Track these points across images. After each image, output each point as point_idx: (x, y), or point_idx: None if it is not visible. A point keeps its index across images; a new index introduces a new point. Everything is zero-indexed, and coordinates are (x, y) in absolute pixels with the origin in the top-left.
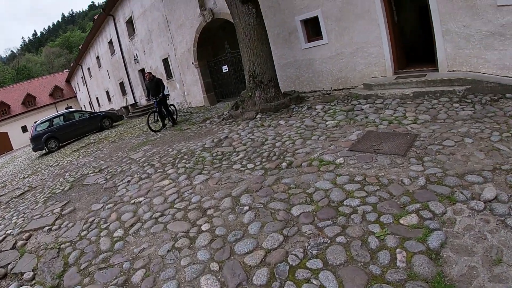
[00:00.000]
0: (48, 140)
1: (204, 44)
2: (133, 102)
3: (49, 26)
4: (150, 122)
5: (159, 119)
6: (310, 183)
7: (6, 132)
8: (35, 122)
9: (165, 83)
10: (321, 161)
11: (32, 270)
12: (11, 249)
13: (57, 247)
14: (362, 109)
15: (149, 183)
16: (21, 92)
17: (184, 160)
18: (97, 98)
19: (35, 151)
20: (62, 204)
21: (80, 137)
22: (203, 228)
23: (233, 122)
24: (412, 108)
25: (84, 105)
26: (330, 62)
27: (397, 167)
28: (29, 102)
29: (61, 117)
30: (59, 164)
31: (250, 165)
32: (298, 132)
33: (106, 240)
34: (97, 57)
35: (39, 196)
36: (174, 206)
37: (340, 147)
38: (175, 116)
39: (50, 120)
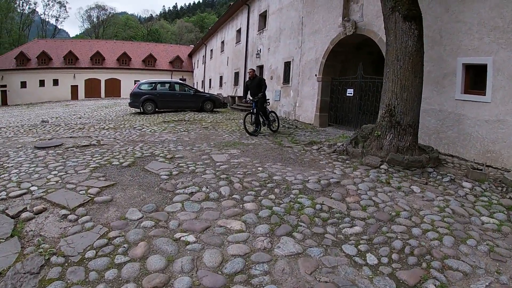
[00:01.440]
0: (145, 102)
1: (334, 58)
2: (242, 95)
3: (189, 3)
4: (247, 122)
5: (255, 123)
6: None
7: (120, 80)
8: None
9: (278, 87)
10: None
11: None
12: (13, 216)
13: (48, 256)
14: None
15: (213, 213)
16: (145, 51)
17: (273, 196)
18: (210, 80)
19: (130, 107)
20: (106, 184)
21: (178, 110)
22: None
23: (347, 161)
24: None
25: (197, 82)
26: (485, 127)
27: None
28: (149, 62)
29: (167, 85)
30: (142, 130)
31: (371, 258)
32: (444, 219)
33: None
34: (222, 42)
35: (95, 158)
36: None
37: None
38: (276, 124)
39: (156, 84)
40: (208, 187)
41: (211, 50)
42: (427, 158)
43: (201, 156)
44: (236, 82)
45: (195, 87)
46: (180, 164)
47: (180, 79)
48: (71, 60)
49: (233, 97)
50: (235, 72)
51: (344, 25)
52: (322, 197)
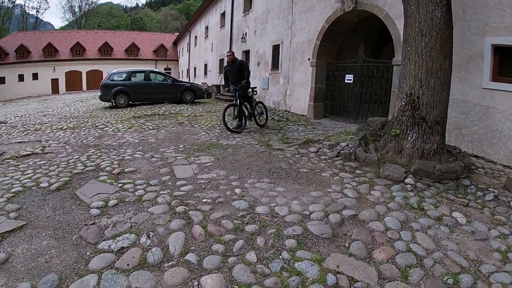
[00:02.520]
0: (117, 94)
1: (330, 39)
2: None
3: None
4: (227, 114)
5: (238, 117)
6: None
7: (101, 72)
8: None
9: (266, 74)
10: None
11: None
12: None
13: None
14: None
15: None
16: (128, 40)
17: (253, 255)
18: (194, 68)
19: (101, 101)
20: (13, 227)
21: (156, 103)
22: None
23: (358, 171)
24: None
25: (182, 71)
26: None
27: None
28: (132, 51)
29: (142, 74)
30: (103, 129)
31: None
32: None
33: None
34: (206, 27)
35: (24, 177)
36: None
37: None
38: (264, 117)
39: (129, 74)
40: (151, 235)
41: (195, 37)
42: (462, 166)
43: (160, 169)
44: (221, 70)
45: (181, 76)
46: (126, 186)
47: (165, 69)
48: (50, 53)
49: (218, 86)
50: (220, 59)
51: (342, 0)
52: (335, 254)
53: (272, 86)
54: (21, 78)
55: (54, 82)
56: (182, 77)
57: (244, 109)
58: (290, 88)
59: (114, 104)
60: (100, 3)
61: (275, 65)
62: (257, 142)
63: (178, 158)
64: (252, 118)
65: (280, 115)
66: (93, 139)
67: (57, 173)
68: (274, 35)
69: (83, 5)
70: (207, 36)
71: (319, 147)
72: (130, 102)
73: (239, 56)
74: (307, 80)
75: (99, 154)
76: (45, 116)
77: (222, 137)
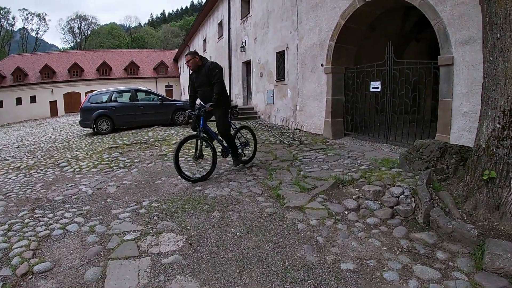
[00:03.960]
0: (99, 119)
1: (346, 39)
2: None
3: (177, 9)
4: (183, 155)
5: (200, 155)
6: None
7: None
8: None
9: (271, 86)
10: None
11: None
12: None
13: None
14: None
15: None
16: (127, 58)
17: None
18: None
19: (82, 127)
20: None
21: (147, 126)
22: None
23: (439, 253)
24: None
25: (184, 88)
26: None
27: None
28: (132, 70)
29: (127, 94)
30: (63, 169)
31: None
32: None
33: None
34: (204, 40)
35: None
36: None
37: None
38: (251, 149)
39: (111, 94)
40: None
41: None
42: None
43: (87, 270)
44: None
45: (183, 93)
46: None
47: (166, 86)
48: (48, 74)
49: None
50: None
51: None
52: None
53: (278, 100)
54: (19, 101)
55: (53, 104)
56: (184, 94)
57: (216, 143)
58: (301, 101)
59: (96, 130)
60: (103, 24)
61: (281, 75)
62: (261, 189)
63: (126, 238)
64: (231, 156)
65: (291, 136)
66: (40, 188)
67: None
68: (278, 41)
69: (83, 25)
70: (206, 49)
71: (358, 196)
72: (115, 127)
73: (238, 68)
74: (321, 91)
75: (27, 220)
76: (18, 147)
77: (210, 183)
